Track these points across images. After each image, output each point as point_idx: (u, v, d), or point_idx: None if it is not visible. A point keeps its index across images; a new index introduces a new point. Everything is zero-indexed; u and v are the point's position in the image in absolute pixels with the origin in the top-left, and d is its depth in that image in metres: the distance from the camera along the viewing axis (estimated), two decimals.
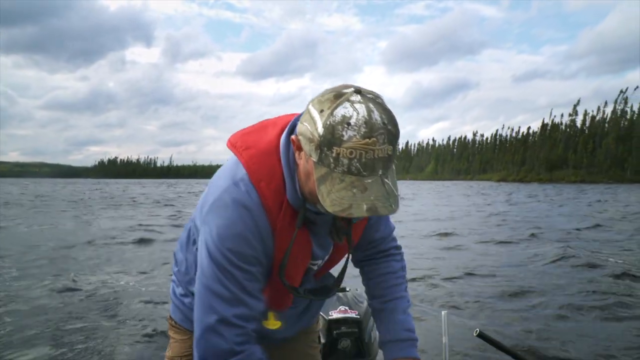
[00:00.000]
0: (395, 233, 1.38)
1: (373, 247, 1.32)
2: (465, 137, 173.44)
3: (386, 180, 0.88)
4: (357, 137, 0.83)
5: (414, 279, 6.25)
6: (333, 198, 0.86)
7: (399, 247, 1.37)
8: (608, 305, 4.80)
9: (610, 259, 7.14)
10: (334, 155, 0.85)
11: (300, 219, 1.01)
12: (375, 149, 0.84)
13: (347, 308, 2.16)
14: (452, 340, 3.80)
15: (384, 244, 1.33)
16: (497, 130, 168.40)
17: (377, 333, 1.32)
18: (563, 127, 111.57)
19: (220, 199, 1.00)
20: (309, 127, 0.89)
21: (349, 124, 0.84)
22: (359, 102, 0.86)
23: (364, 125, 0.83)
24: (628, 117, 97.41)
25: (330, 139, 0.85)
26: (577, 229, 11.65)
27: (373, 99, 0.88)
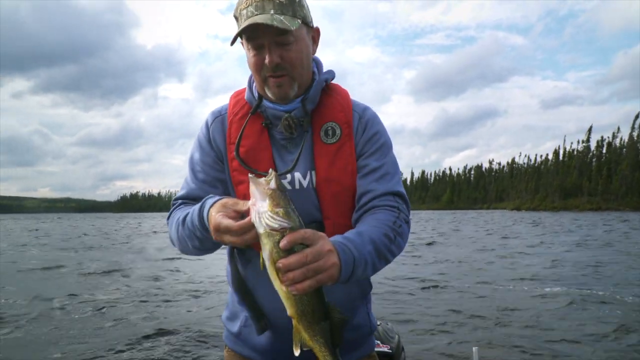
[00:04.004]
0: (399, 200, 1.17)
1: (366, 204, 1.18)
2: (482, 165, 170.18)
3: (277, 15, 1.07)
4: None
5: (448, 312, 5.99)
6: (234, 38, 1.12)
7: (397, 207, 1.17)
8: None
9: None
10: (238, 15, 1.12)
11: (254, 108, 1.21)
12: None
13: (379, 342, 2.20)
14: None
15: (378, 200, 1.17)
16: (513, 158, 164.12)
17: None
18: (576, 154, 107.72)
19: None
20: None
21: None
22: None
23: None
24: None
25: (235, 7, 1.14)
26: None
27: None
